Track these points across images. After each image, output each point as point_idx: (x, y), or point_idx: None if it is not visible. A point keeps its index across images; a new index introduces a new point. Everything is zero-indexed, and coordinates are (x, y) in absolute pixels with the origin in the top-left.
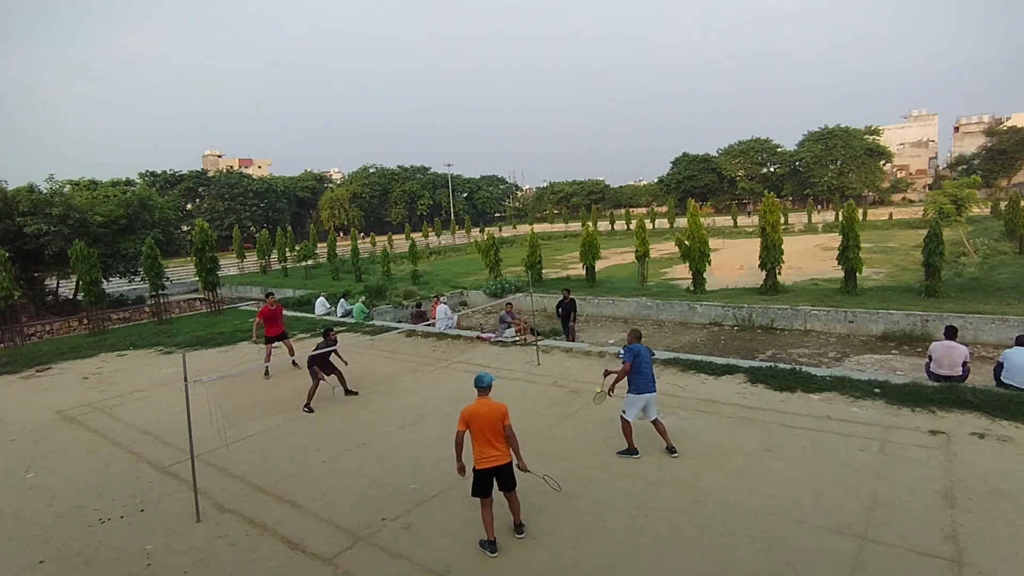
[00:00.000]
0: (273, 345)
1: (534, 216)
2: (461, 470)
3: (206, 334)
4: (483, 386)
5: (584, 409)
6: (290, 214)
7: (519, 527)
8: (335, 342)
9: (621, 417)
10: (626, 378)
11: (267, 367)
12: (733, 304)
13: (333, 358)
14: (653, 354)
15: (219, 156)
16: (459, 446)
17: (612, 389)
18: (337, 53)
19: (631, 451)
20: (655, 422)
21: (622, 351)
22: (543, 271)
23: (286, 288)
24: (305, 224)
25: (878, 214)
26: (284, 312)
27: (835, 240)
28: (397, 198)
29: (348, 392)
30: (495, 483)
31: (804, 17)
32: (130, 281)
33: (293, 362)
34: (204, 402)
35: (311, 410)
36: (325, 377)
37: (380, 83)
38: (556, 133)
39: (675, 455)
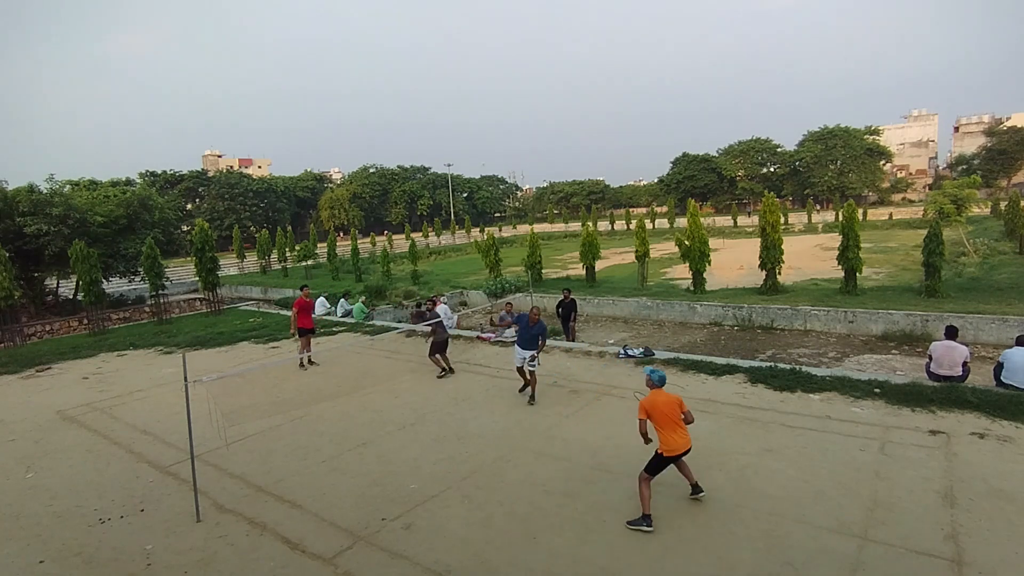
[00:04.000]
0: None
1: (534, 216)
2: (647, 440)
3: (206, 334)
4: (659, 380)
5: (584, 409)
6: (290, 214)
7: (695, 488)
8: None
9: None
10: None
11: (302, 357)
12: (733, 304)
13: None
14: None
15: (219, 156)
16: (644, 433)
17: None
18: (337, 53)
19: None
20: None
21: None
22: (543, 271)
23: (286, 288)
24: (305, 224)
25: (878, 214)
26: (284, 312)
27: (835, 240)
28: (397, 198)
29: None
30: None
31: (804, 17)
32: (130, 281)
33: (309, 360)
34: (204, 402)
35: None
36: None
37: (380, 83)
38: (556, 133)
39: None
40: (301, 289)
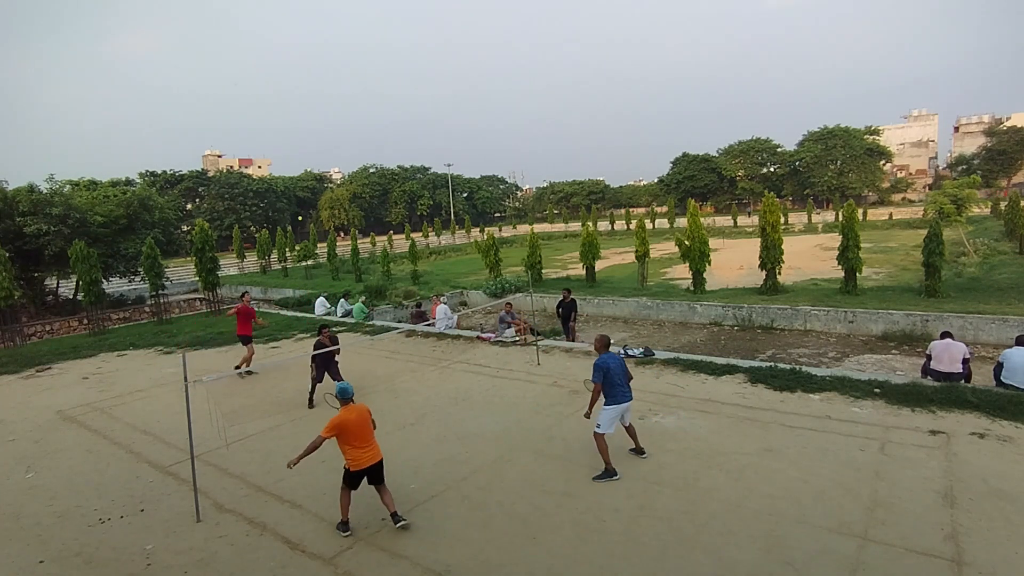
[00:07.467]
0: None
1: (534, 216)
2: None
3: (206, 334)
4: (349, 397)
5: (584, 409)
6: (290, 214)
7: (395, 517)
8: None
9: (595, 434)
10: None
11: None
12: (733, 304)
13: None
14: (627, 354)
15: (219, 156)
16: (313, 448)
17: (589, 413)
18: (337, 53)
19: (609, 473)
20: (628, 427)
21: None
22: (543, 271)
23: (286, 288)
24: (305, 224)
25: (878, 214)
26: (284, 312)
27: (835, 240)
28: (397, 198)
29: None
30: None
31: (804, 17)
32: (130, 281)
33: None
34: (204, 402)
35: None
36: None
37: (380, 83)
38: (556, 133)
39: (644, 456)
40: None
